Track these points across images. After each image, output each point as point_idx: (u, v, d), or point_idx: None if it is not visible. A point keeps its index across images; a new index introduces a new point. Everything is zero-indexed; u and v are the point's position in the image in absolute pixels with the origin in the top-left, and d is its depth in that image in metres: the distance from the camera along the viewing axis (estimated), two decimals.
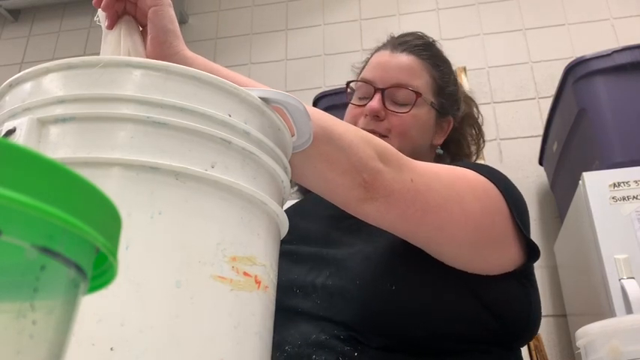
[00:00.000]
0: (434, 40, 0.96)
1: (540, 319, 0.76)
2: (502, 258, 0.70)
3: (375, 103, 0.84)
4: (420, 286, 0.69)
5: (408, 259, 0.70)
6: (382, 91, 0.86)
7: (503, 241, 0.69)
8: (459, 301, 0.69)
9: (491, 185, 0.69)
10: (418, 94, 0.85)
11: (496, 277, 0.71)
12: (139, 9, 0.65)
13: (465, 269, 0.69)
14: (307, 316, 0.71)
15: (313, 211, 0.91)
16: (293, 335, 0.70)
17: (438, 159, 0.94)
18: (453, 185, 0.65)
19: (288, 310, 0.72)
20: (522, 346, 0.79)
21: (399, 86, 0.85)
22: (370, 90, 0.87)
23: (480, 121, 0.98)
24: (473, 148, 0.96)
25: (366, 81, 0.88)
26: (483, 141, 0.98)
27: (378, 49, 0.94)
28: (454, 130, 0.93)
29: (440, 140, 0.91)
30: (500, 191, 0.69)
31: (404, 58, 0.88)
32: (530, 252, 0.71)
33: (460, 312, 0.69)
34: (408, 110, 0.84)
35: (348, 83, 0.94)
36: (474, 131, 0.96)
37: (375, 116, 0.84)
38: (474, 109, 0.98)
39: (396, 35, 0.96)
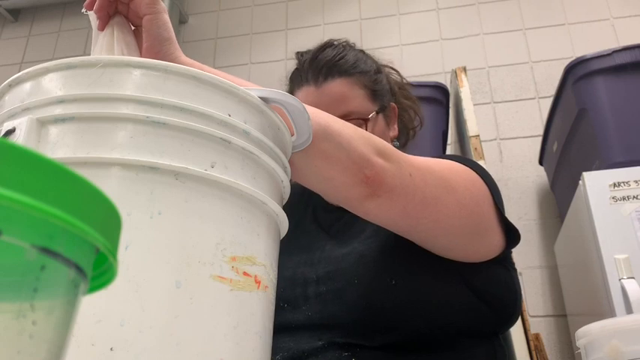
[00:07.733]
0: (347, 44, 0.92)
1: (521, 303, 0.79)
2: (491, 245, 0.73)
3: None
4: (418, 278, 0.71)
5: (401, 254, 0.72)
6: None
7: (491, 227, 0.71)
8: (454, 291, 0.71)
9: (474, 174, 0.72)
10: (366, 119, 0.84)
11: (484, 264, 0.73)
12: (131, 10, 0.65)
13: (457, 259, 0.71)
14: (302, 328, 0.71)
15: (297, 217, 0.90)
16: (287, 343, 0.70)
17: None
18: (445, 177, 0.66)
19: (279, 327, 0.72)
20: (503, 332, 0.82)
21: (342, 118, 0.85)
22: None
23: (404, 82, 0.99)
24: (416, 121, 0.98)
25: None
26: (419, 106, 1.00)
27: (300, 85, 0.88)
28: (399, 114, 0.95)
29: (396, 131, 0.94)
30: (482, 179, 0.72)
31: (332, 88, 0.85)
32: (510, 235, 0.74)
33: (455, 301, 0.71)
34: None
35: None
36: (408, 101, 0.97)
37: None
38: (397, 77, 0.98)
39: (308, 57, 0.92)
